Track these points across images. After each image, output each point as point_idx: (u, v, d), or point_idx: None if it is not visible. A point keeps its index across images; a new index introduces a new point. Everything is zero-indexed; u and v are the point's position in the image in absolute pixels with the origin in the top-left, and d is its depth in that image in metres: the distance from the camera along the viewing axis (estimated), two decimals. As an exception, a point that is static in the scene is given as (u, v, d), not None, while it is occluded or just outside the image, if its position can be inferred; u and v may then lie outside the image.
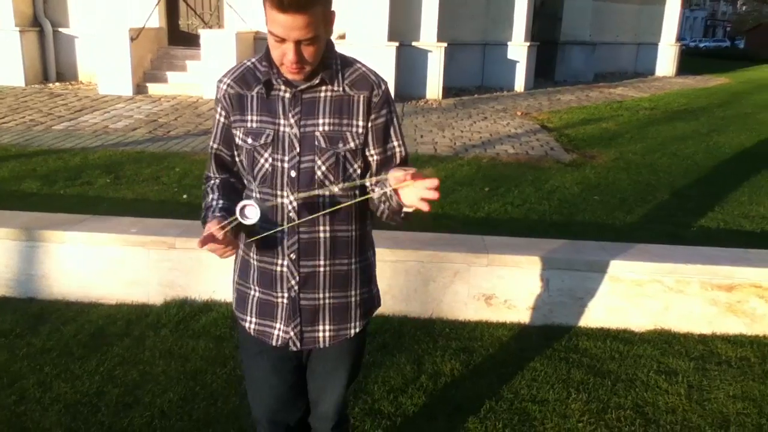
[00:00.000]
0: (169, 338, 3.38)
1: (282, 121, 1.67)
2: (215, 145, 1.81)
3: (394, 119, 1.75)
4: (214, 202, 1.74)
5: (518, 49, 13.61)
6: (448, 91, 12.27)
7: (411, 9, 11.86)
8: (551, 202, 5.93)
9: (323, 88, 1.68)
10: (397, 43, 11.30)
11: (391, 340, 3.44)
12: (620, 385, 3.14)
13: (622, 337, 3.61)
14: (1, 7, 11.19)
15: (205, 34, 10.57)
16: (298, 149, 1.67)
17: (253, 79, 1.70)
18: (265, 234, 1.69)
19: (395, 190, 1.53)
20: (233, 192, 1.81)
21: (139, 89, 10.88)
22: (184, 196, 5.60)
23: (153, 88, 10.95)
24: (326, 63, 1.66)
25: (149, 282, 3.75)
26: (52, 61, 11.89)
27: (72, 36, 11.94)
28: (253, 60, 1.74)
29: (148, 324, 3.52)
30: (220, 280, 3.69)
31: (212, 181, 1.83)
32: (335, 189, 1.69)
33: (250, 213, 1.58)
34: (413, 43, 11.86)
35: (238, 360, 3.19)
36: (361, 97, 1.69)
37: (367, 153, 1.73)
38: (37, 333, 3.39)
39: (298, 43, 1.53)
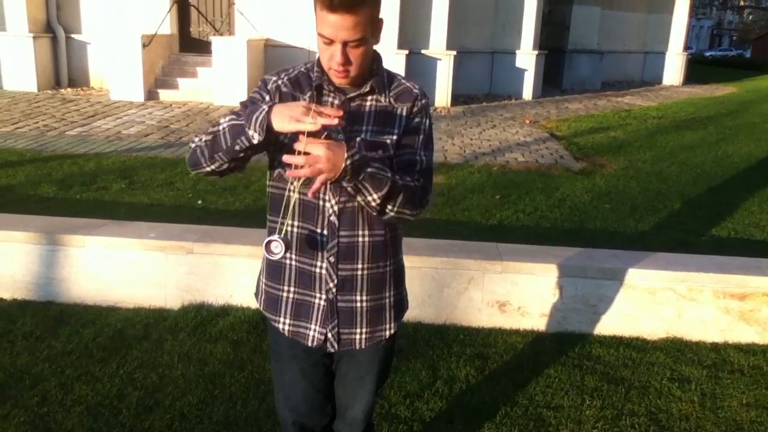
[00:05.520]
0: (187, 342, 3.43)
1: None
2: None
3: (426, 129, 1.78)
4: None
5: (526, 58, 13.66)
6: (456, 98, 12.32)
7: (420, 17, 11.93)
8: (562, 209, 5.96)
9: (370, 98, 1.73)
10: (406, 51, 11.36)
11: (406, 345, 3.47)
12: (634, 392, 3.17)
13: (635, 345, 3.63)
14: (15, 13, 11.30)
15: (216, 41, 10.65)
16: None
17: (306, 84, 1.75)
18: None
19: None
20: None
21: (151, 95, 10.96)
22: (199, 202, 5.66)
23: (164, 94, 11.03)
24: (375, 73, 1.73)
25: (167, 286, 3.80)
26: (64, 67, 11.98)
27: (84, 42, 12.05)
28: (307, 65, 1.78)
29: (166, 328, 3.56)
30: (236, 285, 3.73)
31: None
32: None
33: (275, 248, 1.65)
34: (423, 51, 11.93)
35: (255, 364, 3.23)
36: (404, 108, 1.75)
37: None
38: (57, 336, 3.44)
39: (345, 45, 1.58)
